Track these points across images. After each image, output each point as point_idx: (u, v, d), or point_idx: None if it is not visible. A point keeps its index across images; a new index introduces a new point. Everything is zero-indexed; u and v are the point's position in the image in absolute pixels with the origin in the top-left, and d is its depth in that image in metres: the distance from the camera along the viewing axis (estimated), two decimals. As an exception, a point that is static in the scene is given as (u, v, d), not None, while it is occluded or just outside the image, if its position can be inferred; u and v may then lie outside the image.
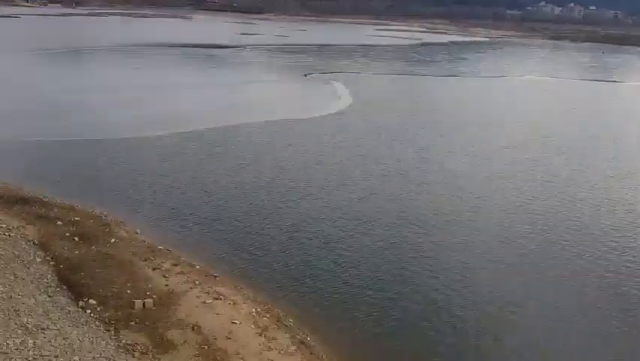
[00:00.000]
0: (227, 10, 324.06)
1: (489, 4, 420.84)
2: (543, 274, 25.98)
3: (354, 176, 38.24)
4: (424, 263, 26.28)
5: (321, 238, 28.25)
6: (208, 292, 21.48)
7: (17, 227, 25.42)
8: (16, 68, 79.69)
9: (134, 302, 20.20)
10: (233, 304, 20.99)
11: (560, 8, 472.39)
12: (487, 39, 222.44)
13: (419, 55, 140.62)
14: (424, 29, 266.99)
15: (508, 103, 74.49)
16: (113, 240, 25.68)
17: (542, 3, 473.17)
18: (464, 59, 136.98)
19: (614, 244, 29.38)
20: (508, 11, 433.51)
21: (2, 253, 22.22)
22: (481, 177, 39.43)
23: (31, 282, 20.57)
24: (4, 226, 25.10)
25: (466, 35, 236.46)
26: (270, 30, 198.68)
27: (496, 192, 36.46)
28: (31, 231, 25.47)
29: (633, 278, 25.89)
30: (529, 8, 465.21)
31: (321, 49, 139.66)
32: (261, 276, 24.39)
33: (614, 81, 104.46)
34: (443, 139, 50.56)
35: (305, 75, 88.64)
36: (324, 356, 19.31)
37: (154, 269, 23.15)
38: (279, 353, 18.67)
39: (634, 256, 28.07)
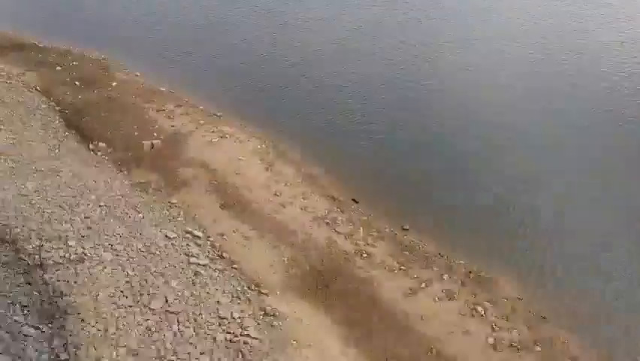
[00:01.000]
0: None
1: None
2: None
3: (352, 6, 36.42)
4: (429, 91, 26.17)
5: (324, 72, 27.77)
6: (213, 131, 21.90)
7: (17, 74, 25.18)
8: None
9: (142, 143, 20.74)
10: (239, 141, 21.51)
11: None
12: None
13: None
14: None
15: None
16: (114, 83, 25.54)
17: None
18: None
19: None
20: None
21: (7, 100, 22.31)
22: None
23: (40, 128, 20.97)
24: (4, 73, 24.86)
25: None
26: None
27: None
28: (31, 77, 25.26)
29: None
30: None
31: None
32: (265, 113, 24.45)
33: None
34: None
35: None
36: (329, 186, 20.21)
37: (158, 111, 23.35)
38: (286, 185, 19.56)
39: None
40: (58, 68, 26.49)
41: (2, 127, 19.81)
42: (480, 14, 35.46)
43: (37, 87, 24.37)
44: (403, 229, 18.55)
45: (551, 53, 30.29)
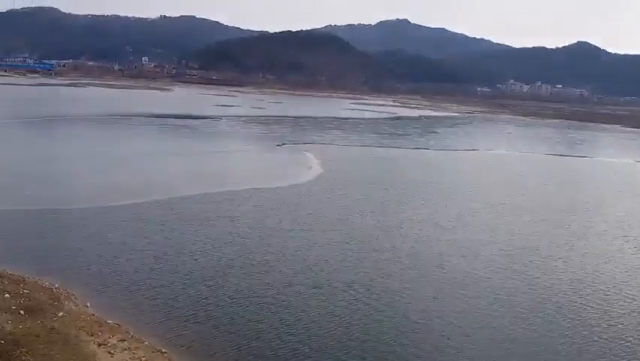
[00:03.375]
0: (206, 83, 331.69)
1: (460, 80, 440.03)
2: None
3: (316, 243, 37.97)
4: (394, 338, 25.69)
5: (284, 311, 27.52)
6: (153, 371, 20.57)
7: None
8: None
9: (73, 381, 19.20)
10: (179, 382, 20.09)
11: (529, 86, 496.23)
12: (457, 114, 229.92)
13: (392, 128, 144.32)
14: (397, 104, 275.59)
15: (477, 175, 76.00)
16: (60, 313, 24.72)
17: (511, 81, 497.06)
18: (435, 132, 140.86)
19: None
20: (479, 88, 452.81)
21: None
22: (452, 246, 39.47)
23: (-35, 360, 19.48)
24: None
25: (437, 110, 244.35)
26: (246, 102, 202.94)
27: (465, 260, 36.41)
28: (-23, 307, 24.39)
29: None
30: (498, 86, 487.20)
31: (296, 121, 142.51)
32: (216, 353, 23.47)
33: (580, 156, 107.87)
34: (406, 208, 51.14)
35: (277, 145, 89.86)
36: None
37: (99, 345, 22.22)
38: None
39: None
40: (7, 295, 25.80)
41: None
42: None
43: (-22, 315, 23.36)
44: None
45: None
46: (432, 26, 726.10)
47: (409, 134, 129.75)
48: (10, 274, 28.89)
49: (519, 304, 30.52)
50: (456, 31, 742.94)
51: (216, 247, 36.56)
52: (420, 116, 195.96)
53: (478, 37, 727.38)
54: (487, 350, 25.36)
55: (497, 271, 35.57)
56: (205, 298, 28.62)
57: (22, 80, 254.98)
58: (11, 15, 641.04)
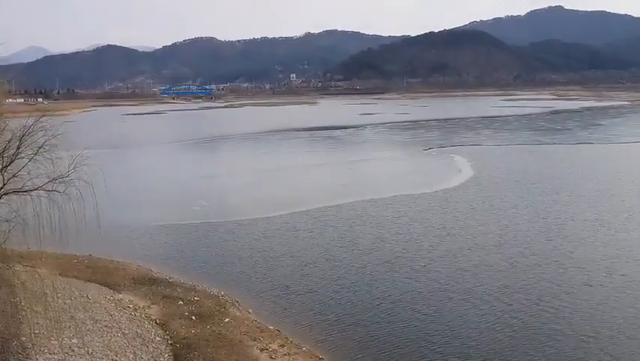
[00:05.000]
0: (350, 93, 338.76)
1: (625, 66, 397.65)
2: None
3: (467, 248, 36.46)
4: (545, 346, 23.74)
5: (454, 323, 26.56)
6: (311, 376, 21.14)
7: (143, 306, 27.33)
8: (158, 158, 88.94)
9: (238, 384, 20.45)
10: (336, 389, 20.41)
11: None
12: (625, 103, 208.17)
13: (548, 123, 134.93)
14: (554, 97, 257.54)
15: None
16: (227, 319, 26.53)
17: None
18: (598, 125, 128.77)
19: None
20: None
21: (127, 331, 23.91)
22: (611, 254, 35.59)
23: (148, 360, 21.73)
24: (132, 306, 27.14)
25: (601, 100, 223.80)
26: (390, 109, 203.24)
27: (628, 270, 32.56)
28: (154, 310, 27.21)
29: None
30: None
31: (442, 123, 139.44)
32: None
33: None
34: (564, 209, 47.05)
35: (424, 150, 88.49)
36: None
37: (262, 350, 23.39)
38: None
39: None
40: (180, 302, 28.39)
41: (115, 358, 20.84)
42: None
43: (157, 320, 25.99)
44: None
45: None
46: (590, 10, 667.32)
47: (569, 128, 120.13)
48: (183, 283, 31.79)
49: None
50: (619, 12, 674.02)
51: (364, 253, 36.83)
52: (581, 108, 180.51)
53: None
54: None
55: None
56: (354, 304, 28.79)
57: (188, 105, 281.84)
58: (176, 47, 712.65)
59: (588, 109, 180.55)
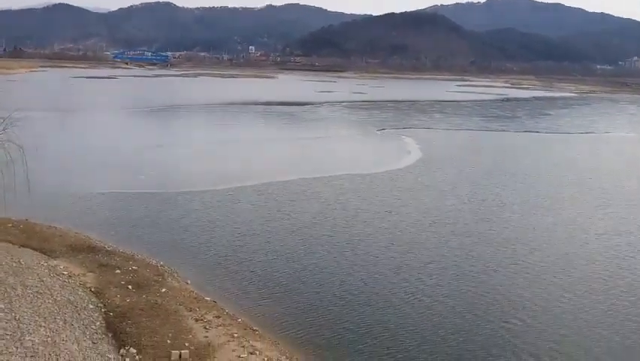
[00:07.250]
0: (309, 70, 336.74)
1: (577, 59, 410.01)
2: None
3: (404, 225, 37.50)
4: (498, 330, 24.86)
5: (381, 297, 27.46)
6: (244, 346, 21.41)
7: (78, 274, 26.86)
8: (106, 125, 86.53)
9: (170, 353, 20.55)
10: (267, 360, 20.81)
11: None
12: (573, 94, 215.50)
13: (499, 110, 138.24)
14: (507, 85, 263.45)
15: (589, 161, 70.89)
16: (163, 289, 26.43)
17: (635, 58, 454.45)
18: (547, 114, 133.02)
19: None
20: (599, 66, 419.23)
21: (58, 298, 23.48)
22: (556, 237, 37.35)
23: (79, 328, 21.46)
24: (66, 273, 26.62)
25: (551, 90, 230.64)
26: (348, 87, 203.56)
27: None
28: (90, 278, 26.79)
29: None
30: (621, 63, 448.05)
31: (397, 105, 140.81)
32: (306, 333, 24.00)
33: None
34: (498, 191, 49.00)
35: (377, 130, 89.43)
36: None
37: (197, 320, 23.50)
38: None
39: None
40: (118, 271, 28.03)
41: (43, 324, 20.51)
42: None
43: (92, 288, 25.65)
44: None
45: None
46: (546, 2, 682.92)
47: (518, 117, 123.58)
48: (122, 252, 31.36)
49: None
50: (573, 5, 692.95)
51: (304, 227, 37.45)
52: (531, 98, 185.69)
53: (597, 11, 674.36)
54: None
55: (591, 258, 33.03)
56: (294, 277, 29.31)
57: (141, 71, 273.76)
58: (131, 10, 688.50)
59: (538, 98, 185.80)
